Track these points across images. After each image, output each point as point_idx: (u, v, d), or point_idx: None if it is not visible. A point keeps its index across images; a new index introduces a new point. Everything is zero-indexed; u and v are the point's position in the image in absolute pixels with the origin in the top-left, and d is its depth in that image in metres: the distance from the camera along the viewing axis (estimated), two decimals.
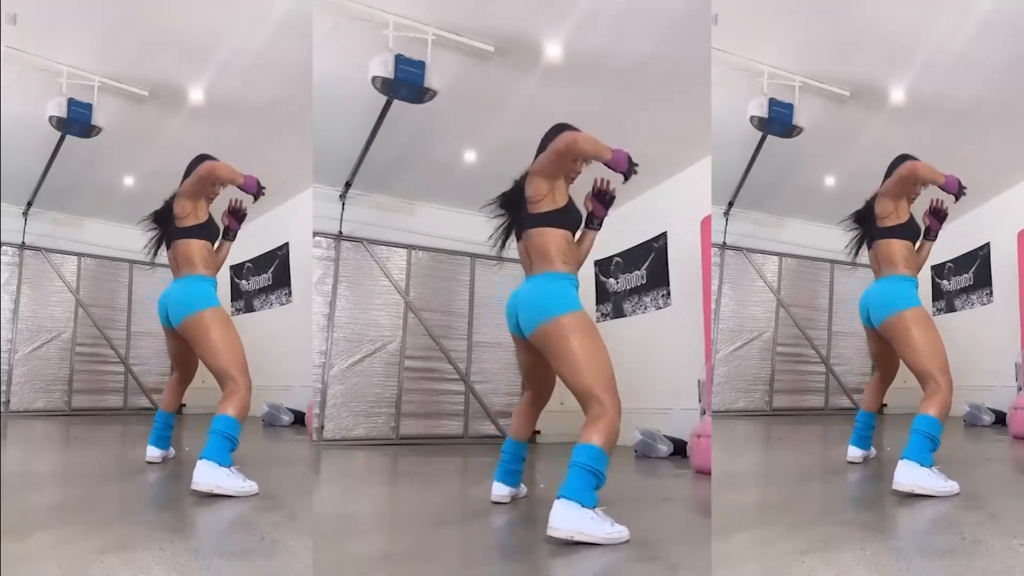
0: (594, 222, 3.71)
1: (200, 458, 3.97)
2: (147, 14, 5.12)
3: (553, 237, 3.55)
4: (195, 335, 4.34)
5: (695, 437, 5.11)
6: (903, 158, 4.46)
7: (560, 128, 3.66)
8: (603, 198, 3.67)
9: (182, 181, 4.47)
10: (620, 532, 3.23)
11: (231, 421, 4.07)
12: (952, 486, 3.92)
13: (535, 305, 3.52)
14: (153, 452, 4.89)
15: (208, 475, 3.94)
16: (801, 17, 5.20)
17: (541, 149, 3.68)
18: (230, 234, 4.65)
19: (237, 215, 4.63)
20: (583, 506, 3.20)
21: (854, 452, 4.91)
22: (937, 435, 4.04)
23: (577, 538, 3.17)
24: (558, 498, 3.22)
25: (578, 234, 3.70)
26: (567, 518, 3.19)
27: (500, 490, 3.97)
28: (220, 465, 3.96)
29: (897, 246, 4.39)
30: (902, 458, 3.98)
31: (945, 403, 4.09)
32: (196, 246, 4.43)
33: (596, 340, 3.49)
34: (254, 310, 7.95)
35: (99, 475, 4.70)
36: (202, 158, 4.47)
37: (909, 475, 3.93)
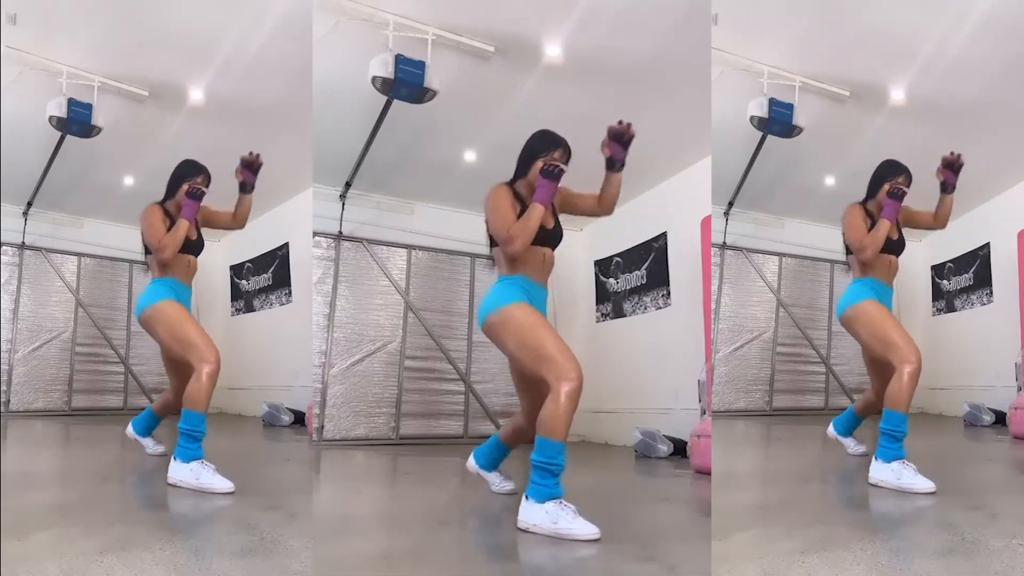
0: (615, 165, 3.68)
1: (173, 455, 4.22)
2: (147, 14, 5.11)
3: None
4: (150, 328, 4.51)
5: (695, 437, 5.11)
6: (889, 164, 4.53)
7: (541, 135, 3.73)
8: (621, 139, 3.59)
9: (167, 189, 4.56)
10: (572, 529, 3.27)
11: (189, 415, 4.22)
12: (916, 484, 4.01)
13: (483, 307, 3.69)
14: (130, 429, 5.05)
15: (174, 471, 4.17)
16: (801, 17, 5.20)
17: (522, 155, 3.74)
18: (247, 187, 4.58)
19: (252, 167, 4.53)
20: (539, 502, 3.35)
21: (831, 430, 5.14)
22: (899, 426, 4.15)
23: (533, 530, 3.35)
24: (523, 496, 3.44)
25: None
26: (526, 512, 3.40)
27: (471, 462, 4.19)
28: (184, 462, 4.15)
29: None
30: (874, 455, 4.22)
31: (903, 387, 4.19)
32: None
33: (534, 320, 3.54)
34: (254, 310, 7.95)
35: (99, 475, 4.70)
36: (186, 164, 4.58)
37: (876, 471, 4.18)
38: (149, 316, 4.47)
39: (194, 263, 4.62)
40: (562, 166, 3.62)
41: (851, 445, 5.08)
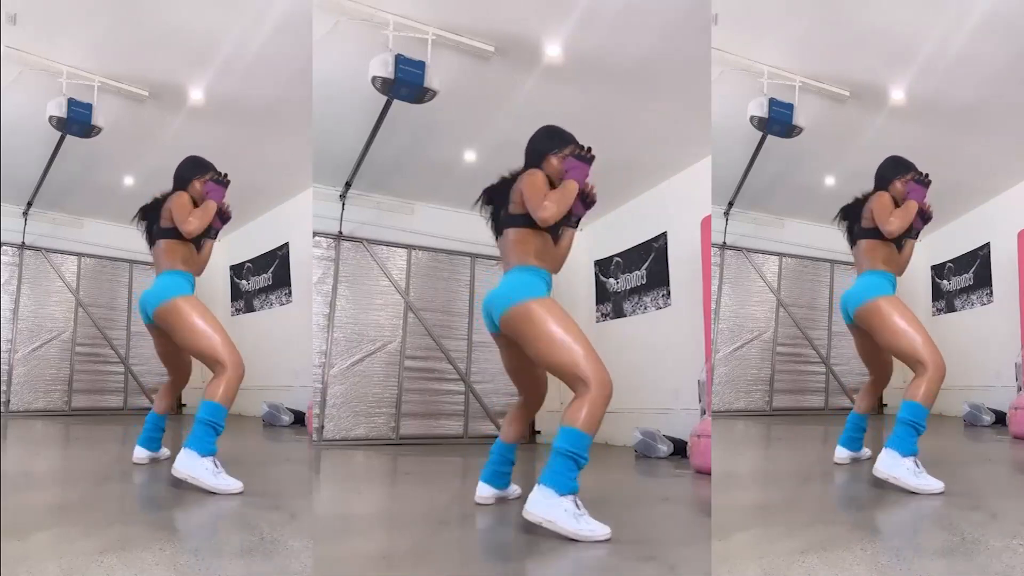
0: (572, 220, 3.68)
1: (183, 445, 4.10)
2: (147, 14, 5.11)
3: (531, 236, 3.60)
4: (170, 322, 4.36)
5: (695, 437, 5.11)
6: (893, 160, 4.53)
7: (549, 132, 3.70)
8: (584, 199, 3.63)
9: (173, 184, 4.54)
10: (592, 530, 3.22)
11: (213, 407, 4.12)
12: (929, 484, 3.96)
13: (504, 294, 3.55)
14: (140, 453, 4.87)
15: (186, 464, 4.07)
16: (801, 17, 5.20)
17: (529, 151, 3.70)
18: (212, 232, 4.60)
19: (222, 217, 4.57)
20: (559, 494, 3.26)
21: (841, 453, 4.90)
22: (921, 420, 4.08)
23: (546, 526, 3.24)
24: (537, 482, 3.30)
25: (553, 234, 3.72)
26: (541, 504, 3.26)
27: (484, 491, 3.93)
28: (200, 455, 4.05)
29: (879, 245, 4.47)
30: (885, 446, 4.08)
31: (931, 385, 4.12)
32: (176, 245, 4.48)
33: (566, 318, 3.47)
34: (254, 310, 7.95)
35: (99, 475, 4.70)
36: (191, 160, 4.56)
37: (888, 464, 4.04)
38: (169, 310, 4.34)
39: (208, 249, 4.60)
40: (593, 153, 3.61)
41: (866, 454, 4.95)
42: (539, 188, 3.55)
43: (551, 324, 3.43)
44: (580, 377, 3.35)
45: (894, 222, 4.35)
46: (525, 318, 3.47)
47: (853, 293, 4.50)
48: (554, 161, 3.62)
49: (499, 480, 3.96)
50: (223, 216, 4.56)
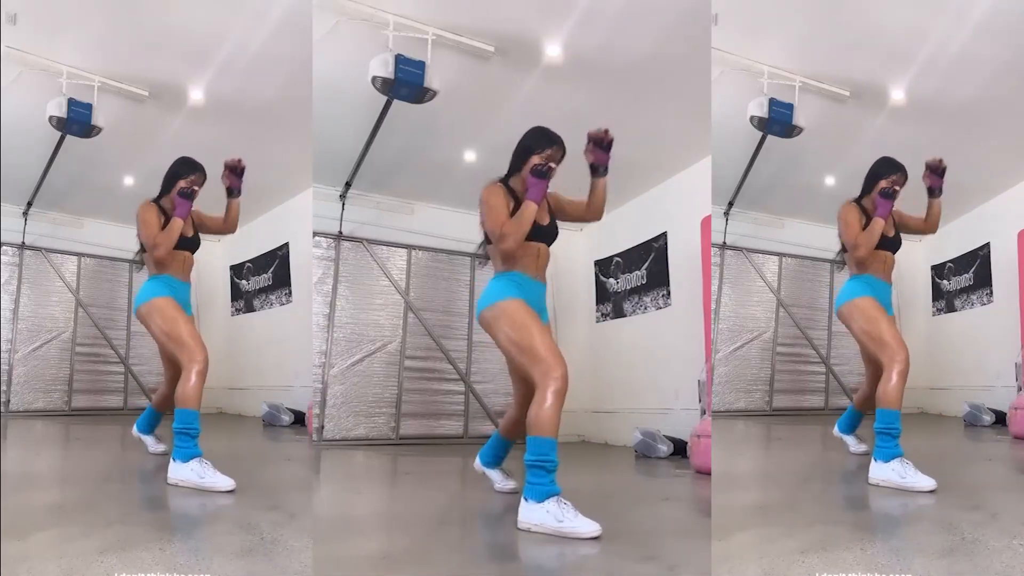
0: (599, 170, 3.77)
1: (171, 457, 4.27)
2: (147, 14, 5.11)
3: None
4: (145, 324, 4.58)
5: (695, 437, 5.11)
6: (885, 161, 4.59)
7: (539, 133, 3.77)
8: (601, 143, 3.70)
9: (163, 183, 4.60)
10: (576, 527, 3.30)
11: (183, 413, 4.27)
12: (919, 482, 4.05)
13: (480, 299, 3.77)
14: (134, 428, 5.11)
15: (175, 472, 4.22)
16: (801, 17, 5.20)
17: (517, 152, 3.78)
18: (234, 192, 4.70)
19: (235, 171, 4.64)
20: (539, 502, 3.39)
21: (837, 431, 5.20)
22: (895, 423, 4.22)
23: (536, 530, 3.37)
24: (522, 497, 3.47)
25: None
26: (527, 513, 3.43)
27: (477, 463, 4.30)
28: (182, 462, 4.20)
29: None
30: (872, 456, 4.27)
31: (894, 387, 4.27)
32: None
33: (523, 320, 3.61)
34: (254, 310, 7.95)
35: (99, 475, 4.70)
36: (182, 161, 4.61)
37: (876, 471, 4.22)
38: (144, 313, 4.56)
39: (190, 259, 4.67)
40: (552, 165, 3.67)
41: (852, 443, 5.12)
42: (494, 211, 3.66)
43: (506, 327, 3.62)
44: (533, 380, 3.52)
45: (860, 249, 4.47)
46: (489, 322, 3.70)
47: (840, 296, 4.69)
48: (535, 160, 3.72)
49: (487, 457, 4.27)
50: (236, 170, 4.64)
